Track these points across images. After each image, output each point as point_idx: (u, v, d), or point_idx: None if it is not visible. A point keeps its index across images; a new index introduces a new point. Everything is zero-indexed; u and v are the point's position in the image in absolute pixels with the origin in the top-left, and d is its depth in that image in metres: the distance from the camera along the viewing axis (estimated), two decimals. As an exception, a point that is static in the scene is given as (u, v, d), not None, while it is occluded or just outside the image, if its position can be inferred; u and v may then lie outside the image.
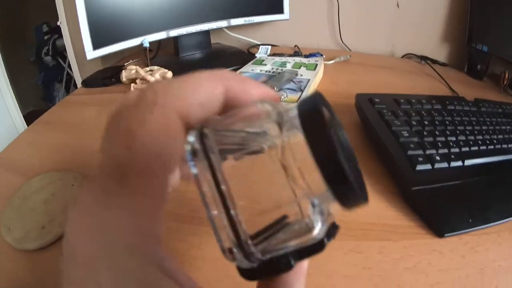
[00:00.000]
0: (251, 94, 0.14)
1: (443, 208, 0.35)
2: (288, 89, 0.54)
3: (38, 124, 0.54)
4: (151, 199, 0.12)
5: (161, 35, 0.69)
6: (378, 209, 0.36)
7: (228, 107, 0.14)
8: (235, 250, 0.12)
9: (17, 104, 1.30)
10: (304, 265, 0.14)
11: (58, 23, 0.82)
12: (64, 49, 0.88)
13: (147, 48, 0.68)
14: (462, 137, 0.43)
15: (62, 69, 1.74)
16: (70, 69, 1.07)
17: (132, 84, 0.62)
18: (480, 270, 0.30)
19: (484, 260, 0.31)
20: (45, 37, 1.78)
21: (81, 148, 0.45)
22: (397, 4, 0.84)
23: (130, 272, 0.11)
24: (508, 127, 0.49)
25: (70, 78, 1.69)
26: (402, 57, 0.88)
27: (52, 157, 0.44)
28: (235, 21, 0.75)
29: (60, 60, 1.75)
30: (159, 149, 0.12)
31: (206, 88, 0.13)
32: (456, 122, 0.46)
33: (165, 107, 0.12)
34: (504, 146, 0.45)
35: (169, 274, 0.12)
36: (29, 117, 1.44)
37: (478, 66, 0.76)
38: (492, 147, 0.44)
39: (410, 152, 0.39)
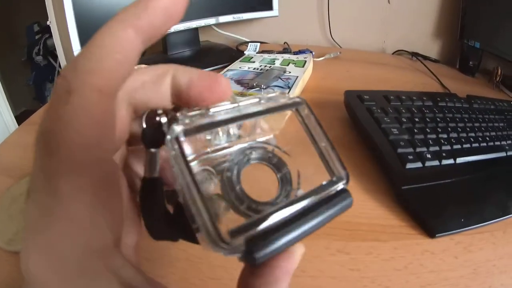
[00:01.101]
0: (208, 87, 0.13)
1: (434, 207, 0.34)
2: (276, 86, 0.53)
3: (27, 125, 0.53)
4: (94, 200, 0.11)
5: (149, 33, 0.67)
6: (367, 208, 0.35)
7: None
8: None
9: (8, 105, 1.29)
10: (292, 262, 0.13)
11: (48, 22, 0.81)
12: (55, 48, 0.87)
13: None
14: (453, 134, 0.43)
15: (53, 69, 1.72)
16: (61, 68, 1.06)
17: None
18: (474, 270, 0.29)
19: (478, 260, 0.30)
20: (36, 37, 1.76)
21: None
22: (388, 0, 0.84)
23: None
24: (501, 124, 0.48)
25: (61, 78, 1.68)
26: (393, 53, 0.87)
27: None
28: (223, 18, 0.74)
29: (52, 60, 1.73)
30: (84, 143, 0.10)
31: (148, 74, 0.13)
32: (448, 119, 0.45)
33: (80, 92, 0.10)
34: (497, 143, 0.44)
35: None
36: (22, 118, 1.43)
37: (470, 62, 0.75)
38: (484, 144, 0.43)
39: (400, 150, 0.38)
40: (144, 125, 0.14)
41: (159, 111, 0.13)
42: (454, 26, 0.80)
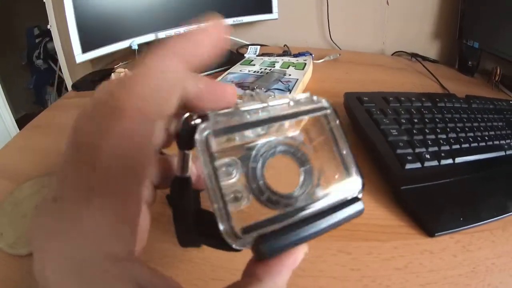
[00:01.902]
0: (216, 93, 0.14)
1: (433, 207, 0.34)
2: (276, 89, 0.54)
3: (28, 129, 0.54)
4: (121, 214, 0.11)
5: (149, 37, 0.68)
6: (367, 209, 0.34)
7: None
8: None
9: (9, 109, 1.29)
10: (295, 260, 0.14)
11: (48, 26, 0.81)
12: (55, 52, 0.87)
13: (136, 50, 0.67)
14: (452, 135, 0.43)
15: (53, 73, 1.73)
16: (62, 72, 1.06)
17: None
18: (473, 269, 0.29)
19: (477, 258, 0.30)
20: (36, 40, 1.77)
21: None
22: (387, 1, 0.84)
23: None
24: (500, 123, 0.49)
25: (61, 81, 1.68)
26: (393, 54, 0.87)
27: (43, 162, 0.43)
28: (224, 22, 0.74)
29: (52, 64, 1.74)
30: (128, 162, 0.11)
31: (165, 77, 0.12)
32: (447, 119, 0.46)
33: (126, 111, 0.11)
34: (496, 142, 0.45)
35: None
36: (22, 121, 1.43)
37: (469, 63, 0.76)
38: (483, 144, 0.43)
39: (399, 151, 0.38)
40: (181, 127, 0.14)
41: (195, 116, 0.14)
42: (453, 27, 0.80)
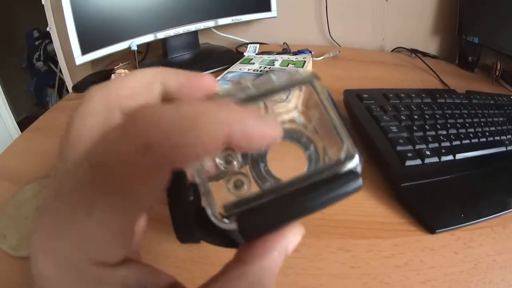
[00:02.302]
0: (192, 86, 0.14)
1: (434, 204, 0.34)
2: (276, 87, 0.53)
3: (30, 131, 0.54)
4: (120, 221, 0.12)
5: (148, 38, 0.68)
6: (367, 206, 0.35)
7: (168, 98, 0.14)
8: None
9: (10, 111, 1.30)
10: (284, 240, 0.13)
11: (48, 29, 0.81)
12: (55, 54, 0.87)
13: (136, 51, 0.67)
14: (453, 131, 0.43)
15: (54, 74, 1.73)
16: (62, 74, 1.06)
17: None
18: (474, 266, 0.29)
19: (478, 255, 0.30)
20: (36, 43, 1.77)
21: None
22: (386, -2, 0.84)
23: None
24: (501, 119, 0.49)
25: (62, 83, 1.68)
26: (392, 50, 0.87)
27: (45, 164, 0.44)
28: (222, 21, 0.74)
29: (52, 65, 1.74)
30: (99, 136, 0.12)
31: (137, 81, 0.13)
32: (447, 115, 0.46)
33: (157, 161, 0.11)
34: (497, 138, 0.44)
35: None
36: (23, 123, 1.44)
37: (469, 58, 0.75)
38: (484, 139, 0.43)
39: (399, 148, 0.38)
40: None
41: None
42: (452, 22, 0.80)
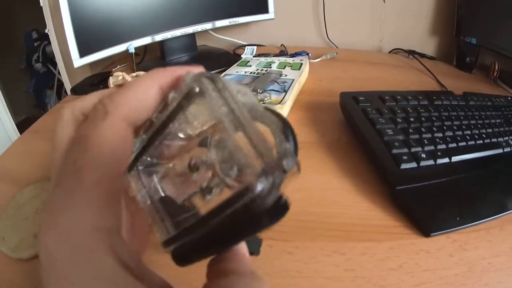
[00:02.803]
0: (175, 77, 0.15)
1: (429, 207, 0.34)
2: (272, 90, 0.54)
3: (29, 133, 0.55)
4: (107, 193, 0.13)
5: (146, 40, 0.68)
6: (362, 209, 0.35)
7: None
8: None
9: (9, 113, 1.29)
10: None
11: (46, 30, 0.82)
12: (54, 55, 0.88)
13: (133, 53, 0.68)
14: (449, 133, 0.43)
15: (53, 76, 1.73)
16: (61, 75, 1.06)
17: (119, 91, 0.62)
18: (469, 268, 0.29)
19: (473, 258, 0.30)
20: (35, 44, 1.77)
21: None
22: (384, -1, 0.84)
23: (97, 271, 0.12)
24: (498, 120, 0.48)
25: (61, 84, 1.68)
26: (390, 52, 0.87)
27: (44, 166, 0.44)
28: (219, 23, 0.74)
29: (51, 67, 1.74)
30: (110, 149, 0.14)
31: (143, 92, 0.15)
32: (443, 117, 0.46)
33: (113, 115, 0.14)
34: (494, 140, 0.44)
35: (136, 273, 0.13)
36: (22, 125, 1.43)
37: (467, 59, 0.75)
38: (481, 141, 0.43)
39: (394, 151, 0.38)
40: None
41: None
42: (450, 23, 0.80)
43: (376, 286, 0.28)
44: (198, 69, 0.15)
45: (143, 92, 0.15)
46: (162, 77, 0.15)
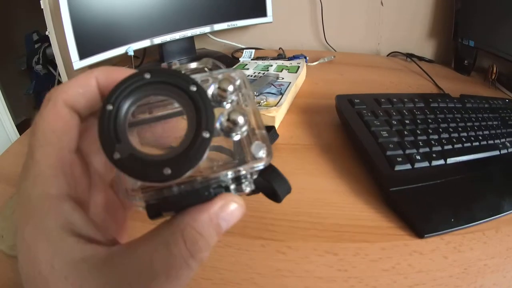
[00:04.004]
0: (115, 79, 0.16)
1: (423, 208, 0.34)
2: (269, 93, 0.54)
3: (27, 135, 0.54)
4: (54, 166, 0.15)
5: (145, 43, 0.69)
6: (356, 210, 0.35)
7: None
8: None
9: (9, 114, 1.30)
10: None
11: (47, 33, 0.82)
12: (54, 57, 0.88)
13: (132, 56, 0.68)
14: (445, 135, 0.43)
15: (53, 78, 1.74)
16: (61, 77, 1.07)
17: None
18: (464, 270, 0.29)
19: (468, 260, 0.30)
20: (36, 46, 1.77)
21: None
22: (381, 2, 0.84)
23: (47, 237, 0.14)
24: (495, 123, 0.49)
25: (61, 86, 1.69)
26: (388, 55, 0.87)
27: None
28: (218, 26, 0.75)
29: (51, 69, 1.75)
30: (52, 130, 0.16)
31: (81, 81, 0.17)
32: (439, 119, 0.46)
33: (54, 100, 0.16)
34: (490, 142, 0.44)
35: (85, 237, 0.15)
36: (22, 126, 1.43)
37: (465, 61, 0.76)
38: (477, 143, 0.43)
39: (389, 153, 0.38)
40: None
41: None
42: (448, 26, 0.80)
43: (368, 286, 0.28)
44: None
45: (81, 82, 0.17)
46: (101, 73, 0.17)
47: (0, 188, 0.41)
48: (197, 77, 0.16)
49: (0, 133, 1.25)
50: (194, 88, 0.14)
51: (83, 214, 0.15)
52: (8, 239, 0.32)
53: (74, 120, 0.17)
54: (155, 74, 0.15)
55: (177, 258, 0.13)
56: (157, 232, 0.14)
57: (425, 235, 0.32)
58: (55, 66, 1.67)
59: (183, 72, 0.15)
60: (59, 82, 1.71)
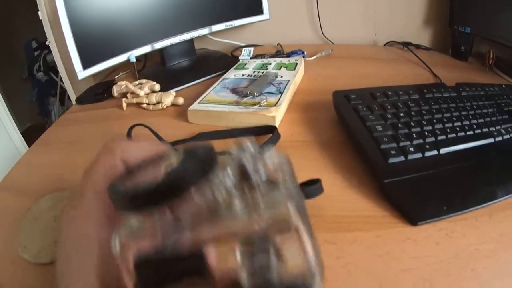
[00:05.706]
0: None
1: (417, 198, 0.35)
2: (268, 92, 0.55)
3: (37, 145, 0.56)
4: (98, 210, 0.18)
5: (146, 49, 0.70)
6: (353, 202, 0.37)
7: None
8: None
9: (14, 122, 1.30)
10: None
11: (47, 42, 0.84)
12: (55, 64, 0.89)
13: (134, 63, 0.70)
14: (439, 126, 0.43)
15: (55, 84, 1.74)
16: (63, 83, 1.09)
17: (124, 99, 0.64)
18: (455, 255, 0.30)
19: (460, 245, 0.31)
20: (35, 53, 1.77)
21: (82, 165, 0.47)
22: (377, -7, 0.84)
23: (89, 265, 0.17)
24: (491, 110, 0.48)
25: (63, 91, 1.70)
26: (385, 45, 0.87)
27: (55, 177, 0.45)
28: (216, 27, 0.76)
29: (53, 75, 1.75)
30: (104, 177, 0.19)
31: (137, 149, 0.21)
32: (434, 110, 0.46)
33: (113, 154, 0.20)
34: (485, 130, 0.44)
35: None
36: (28, 133, 1.45)
37: (462, 48, 0.76)
38: (471, 132, 0.43)
39: (383, 146, 0.39)
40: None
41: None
42: (443, 13, 0.80)
43: (363, 271, 0.29)
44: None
45: (136, 148, 0.21)
46: (150, 150, 0.21)
47: (16, 200, 0.42)
48: None
49: (6, 141, 1.26)
50: None
51: (113, 260, 0.17)
52: (31, 249, 0.34)
53: (120, 169, 0.20)
54: None
55: None
56: None
57: (418, 223, 0.33)
58: (56, 72, 1.68)
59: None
60: (61, 88, 1.72)
